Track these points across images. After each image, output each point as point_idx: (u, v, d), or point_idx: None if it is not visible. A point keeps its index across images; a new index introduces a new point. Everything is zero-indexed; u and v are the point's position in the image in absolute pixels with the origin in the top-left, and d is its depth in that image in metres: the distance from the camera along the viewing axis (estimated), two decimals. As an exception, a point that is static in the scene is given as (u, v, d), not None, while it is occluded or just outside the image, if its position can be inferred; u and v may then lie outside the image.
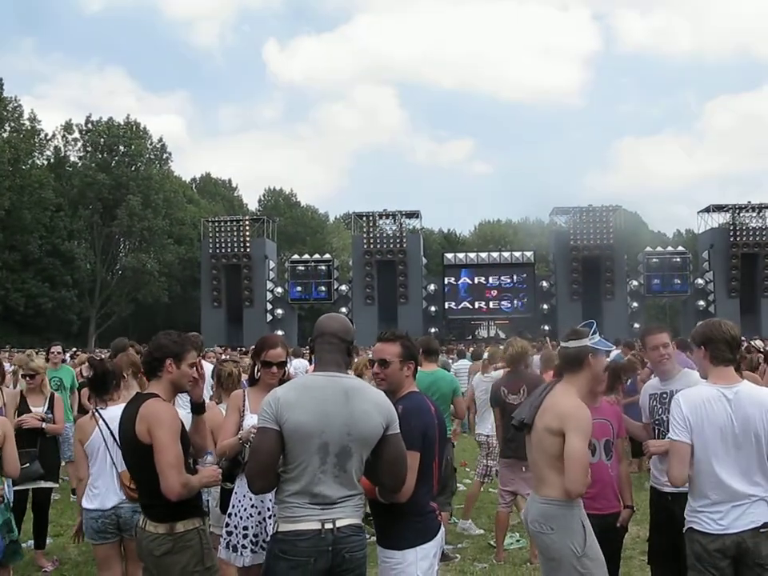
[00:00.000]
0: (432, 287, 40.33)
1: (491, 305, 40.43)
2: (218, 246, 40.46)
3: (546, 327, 37.70)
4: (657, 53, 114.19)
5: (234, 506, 4.51)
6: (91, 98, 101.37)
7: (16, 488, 6.66)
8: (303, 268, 41.20)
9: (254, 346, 4.84)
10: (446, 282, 40.49)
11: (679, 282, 39.65)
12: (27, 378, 7.15)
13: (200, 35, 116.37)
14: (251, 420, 4.32)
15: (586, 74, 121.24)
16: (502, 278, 40.48)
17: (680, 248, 42.92)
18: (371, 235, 40.07)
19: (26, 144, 48.69)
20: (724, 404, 3.68)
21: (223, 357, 14.75)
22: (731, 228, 39.14)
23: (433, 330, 37.74)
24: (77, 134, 54.51)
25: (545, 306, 39.57)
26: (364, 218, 41.13)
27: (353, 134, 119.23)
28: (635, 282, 39.76)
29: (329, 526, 3.18)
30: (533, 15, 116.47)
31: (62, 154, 54.94)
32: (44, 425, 6.83)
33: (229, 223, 41.52)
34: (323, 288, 40.74)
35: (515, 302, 40.33)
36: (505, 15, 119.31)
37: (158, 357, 3.80)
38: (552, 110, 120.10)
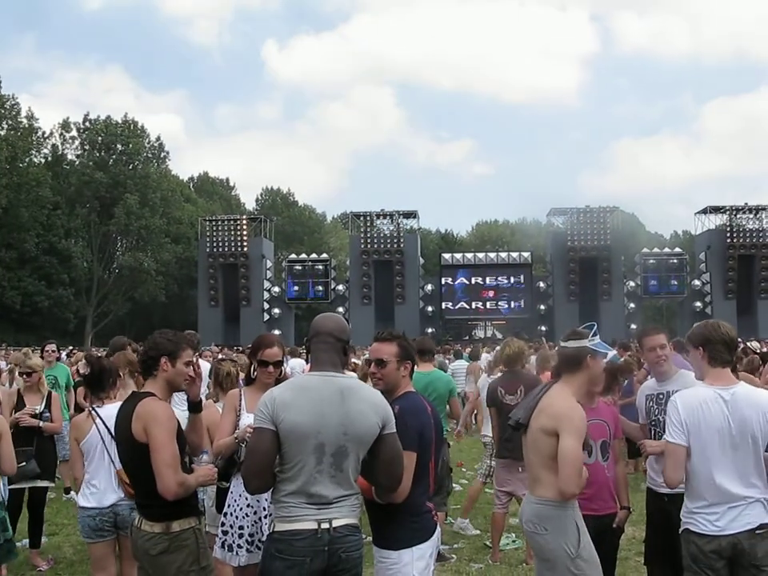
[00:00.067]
0: (429, 287, 40.34)
1: (488, 305, 40.45)
2: (215, 245, 40.45)
3: (543, 328, 37.74)
4: (655, 54, 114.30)
5: (229, 506, 4.50)
6: (89, 97, 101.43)
7: (12, 486, 6.66)
8: (300, 267, 41.19)
9: (250, 345, 4.83)
10: (443, 282, 40.49)
11: (676, 283, 39.71)
12: (24, 376, 7.14)
13: (199, 34, 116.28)
14: (247, 419, 4.31)
15: (584, 75, 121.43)
16: (499, 278, 40.50)
17: (677, 249, 42.98)
18: (368, 235, 40.08)
19: (23, 142, 48.56)
20: (721, 405, 3.68)
21: (220, 356, 14.75)
22: (728, 229, 39.20)
23: (430, 330, 37.79)
24: (74, 132, 54.48)
25: (542, 307, 39.60)
26: (361, 218, 41.15)
27: (351, 134, 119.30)
28: (632, 283, 39.82)
29: (325, 525, 3.17)
30: (531, 16, 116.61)
31: (60, 152, 54.88)
32: (41, 423, 6.82)
33: (226, 222, 41.52)
34: (320, 288, 40.74)
35: (512, 302, 40.33)
36: (504, 16, 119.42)
37: (153, 355, 3.80)
38: (550, 111, 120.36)
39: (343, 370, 3.46)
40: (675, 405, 3.79)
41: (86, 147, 54.12)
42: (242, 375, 5.70)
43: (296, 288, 40.78)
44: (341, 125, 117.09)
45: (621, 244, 40.48)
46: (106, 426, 4.86)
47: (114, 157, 53.62)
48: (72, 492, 9.01)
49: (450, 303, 40.39)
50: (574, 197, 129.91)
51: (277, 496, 3.25)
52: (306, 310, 47.52)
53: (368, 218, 40.68)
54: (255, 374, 4.61)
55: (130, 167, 53.67)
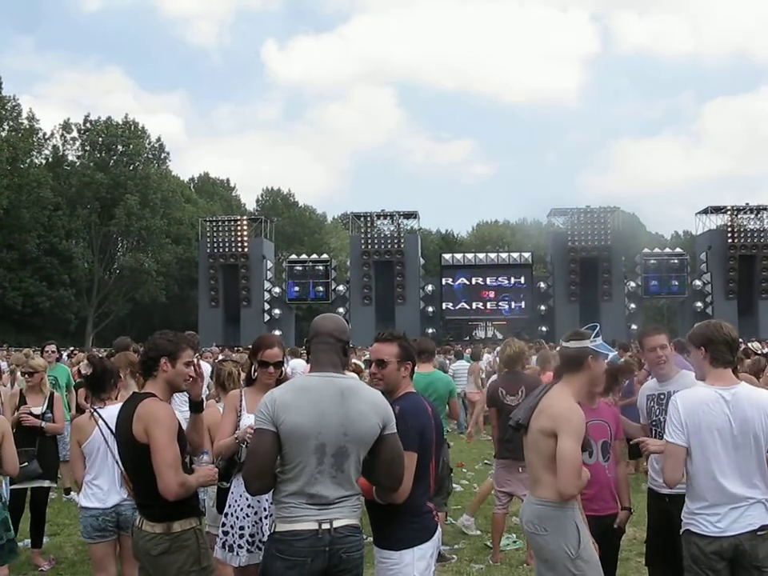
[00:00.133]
0: (429, 288, 40.33)
1: (489, 306, 40.43)
2: (215, 245, 40.46)
3: (544, 328, 37.77)
4: (655, 54, 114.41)
5: (230, 506, 4.50)
6: (89, 98, 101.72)
7: (13, 487, 6.67)
8: (301, 268, 41.17)
9: (250, 346, 4.83)
10: (443, 282, 40.48)
11: (677, 283, 39.67)
12: (27, 376, 7.16)
13: (198, 34, 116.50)
14: (248, 420, 4.31)
15: (585, 75, 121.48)
16: (500, 278, 40.48)
17: (678, 249, 42.97)
18: (369, 235, 40.09)
19: (24, 143, 48.60)
20: (722, 405, 3.68)
21: (220, 356, 14.75)
22: (729, 230, 39.17)
23: (430, 330, 37.80)
24: (75, 133, 54.53)
25: (542, 307, 39.57)
26: (362, 219, 41.15)
27: (351, 135, 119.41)
28: (633, 284, 39.81)
29: (326, 526, 3.18)
30: (532, 16, 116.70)
31: (60, 153, 54.91)
32: (43, 423, 6.83)
33: (226, 223, 41.52)
34: (321, 288, 40.72)
35: (513, 303, 40.31)
36: (504, 16, 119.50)
37: (153, 356, 3.80)
38: (550, 111, 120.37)
39: (343, 371, 3.47)
40: (675, 405, 3.79)
41: (87, 148, 54.19)
42: (243, 375, 5.70)
43: (296, 288, 40.76)
44: (341, 125, 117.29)
45: (621, 244, 40.44)
46: (109, 427, 4.86)
47: (114, 158, 53.69)
48: (72, 492, 9.02)
49: (451, 304, 40.37)
50: (574, 197, 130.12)
51: (278, 496, 3.26)
52: (307, 311, 47.56)
53: (368, 219, 40.69)
54: (256, 374, 4.62)
55: (131, 168, 53.71)
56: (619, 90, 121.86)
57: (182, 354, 3.82)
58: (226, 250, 40.33)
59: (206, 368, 9.17)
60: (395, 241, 39.72)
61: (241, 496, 4.43)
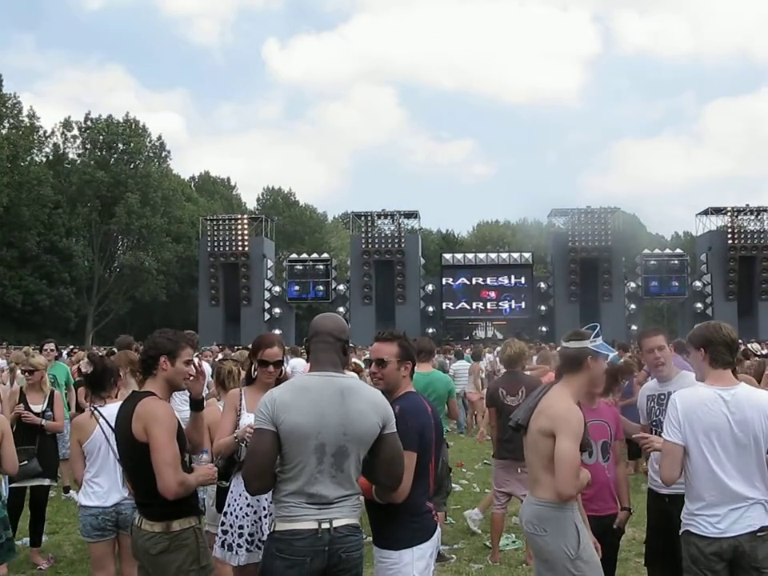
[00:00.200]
0: (430, 287, 40.35)
1: (489, 306, 40.46)
2: (216, 244, 40.47)
3: (544, 329, 37.81)
4: (656, 54, 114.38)
5: (229, 505, 4.50)
6: (90, 96, 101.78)
7: (13, 485, 6.67)
8: (301, 267, 41.18)
9: (250, 345, 4.83)
10: (443, 282, 40.50)
11: (677, 284, 39.70)
12: (27, 374, 7.16)
13: (200, 33, 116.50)
14: (247, 419, 4.31)
15: (585, 76, 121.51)
16: (500, 278, 40.50)
17: (678, 250, 43.04)
18: (369, 235, 40.11)
19: (24, 141, 48.61)
20: (721, 406, 3.67)
21: (220, 356, 14.76)
22: (729, 231, 39.19)
23: (430, 330, 37.82)
24: (76, 131, 54.49)
25: (542, 308, 39.59)
26: (362, 218, 41.17)
27: (352, 134, 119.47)
28: (633, 284, 39.84)
29: (325, 525, 3.18)
30: (533, 16, 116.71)
31: (61, 151, 54.88)
32: (43, 422, 6.83)
33: (227, 222, 41.54)
34: (321, 287, 40.74)
35: (513, 303, 40.34)
36: (505, 16, 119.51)
37: (152, 355, 3.80)
38: (551, 111, 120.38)
39: (343, 370, 3.47)
40: (674, 404, 3.79)
41: (88, 146, 54.16)
42: (243, 374, 5.70)
43: (297, 288, 40.77)
44: (342, 124, 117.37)
45: (622, 245, 40.47)
46: (110, 425, 4.85)
47: (115, 156, 53.67)
48: (71, 491, 9.02)
49: (451, 303, 40.39)
50: (575, 197, 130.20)
51: (278, 496, 3.26)
52: (307, 310, 47.58)
53: (369, 218, 40.71)
54: (256, 373, 4.62)
55: (131, 166, 53.70)
56: (620, 90, 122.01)
57: (182, 352, 3.82)
58: (227, 248, 40.34)
59: (206, 367, 9.17)
60: (396, 240, 39.72)
61: (240, 495, 4.43)
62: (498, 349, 17.29)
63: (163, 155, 58.31)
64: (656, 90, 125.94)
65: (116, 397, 5.23)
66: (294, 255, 44.09)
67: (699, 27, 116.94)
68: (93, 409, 5.14)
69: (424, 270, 42.56)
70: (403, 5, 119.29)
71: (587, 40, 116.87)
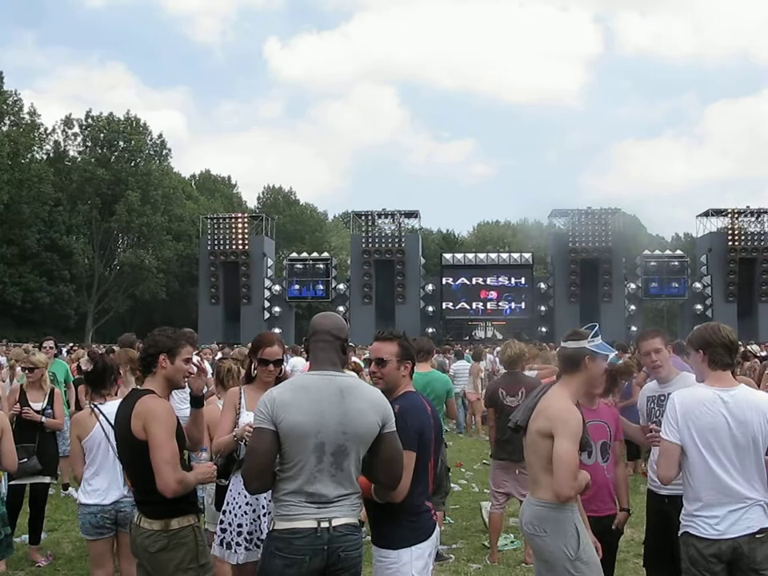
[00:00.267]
0: (430, 287, 40.37)
1: (489, 306, 40.47)
2: (216, 243, 40.49)
3: (544, 329, 37.83)
4: (657, 56, 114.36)
5: (228, 503, 4.50)
6: (91, 93, 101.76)
7: (12, 482, 6.67)
8: (301, 266, 41.21)
9: (250, 344, 4.83)
10: (443, 282, 40.50)
11: (677, 285, 39.75)
12: (27, 372, 7.16)
13: (201, 31, 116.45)
14: (247, 417, 4.32)
15: (587, 76, 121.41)
16: (500, 279, 40.51)
17: (678, 251, 43.10)
18: (370, 234, 40.14)
19: (25, 138, 48.63)
20: (720, 406, 3.67)
21: (219, 354, 14.77)
22: (729, 232, 39.24)
23: (430, 330, 37.83)
24: (76, 129, 54.57)
25: (542, 308, 39.61)
26: (363, 217, 41.21)
27: (353, 133, 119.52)
28: (633, 285, 39.86)
29: (325, 524, 3.17)
30: (534, 16, 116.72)
31: (62, 149, 54.93)
32: (43, 419, 6.83)
33: (227, 220, 41.57)
34: (321, 286, 40.79)
35: (513, 303, 40.35)
36: (506, 16, 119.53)
37: (152, 353, 3.80)
38: (552, 112, 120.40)
39: (343, 369, 3.47)
40: (673, 403, 3.79)
41: (88, 144, 54.20)
42: (242, 372, 5.71)
43: (297, 287, 40.81)
44: (342, 124, 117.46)
45: (622, 246, 40.52)
46: (110, 423, 4.85)
47: (115, 154, 53.69)
48: (71, 488, 9.02)
49: (451, 303, 40.41)
50: (575, 198, 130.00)
51: (277, 495, 3.26)
52: (307, 309, 47.60)
53: (369, 218, 40.74)
54: (255, 372, 4.62)
55: (132, 164, 53.72)
56: (621, 90, 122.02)
57: (181, 350, 3.82)
58: (227, 247, 40.36)
59: (206, 366, 9.17)
60: (396, 240, 39.75)
61: (239, 493, 4.43)
62: (498, 349, 17.29)
63: (164, 153, 58.39)
64: (657, 90, 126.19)
65: (116, 395, 5.23)
66: (294, 254, 44.15)
67: (701, 28, 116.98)
68: (93, 406, 5.15)
69: (424, 269, 42.58)
70: (404, 4, 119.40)
71: (588, 40, 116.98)
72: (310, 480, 3.18)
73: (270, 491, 3.32)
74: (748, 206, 40.17)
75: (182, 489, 3.58)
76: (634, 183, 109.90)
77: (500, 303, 40.41)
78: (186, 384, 3.97)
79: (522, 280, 40.50)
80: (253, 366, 4.64)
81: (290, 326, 41.12)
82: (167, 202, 54.42)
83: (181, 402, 7.10)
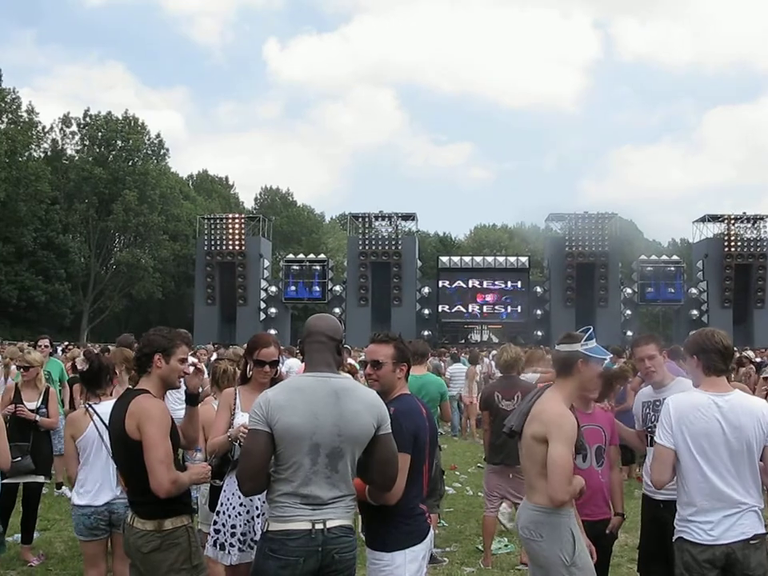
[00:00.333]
0: (426, 290, 40.37)
1: (485, 309, 40.48)
2: (213, 243, 40.47)
3: (539, 333, 37.83)
4: (656, 62, 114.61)
5: (222, 504, 4.50)
6: (90, 92, 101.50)
7: (5, 481, 6.64)
8: (298, 267, 41.21)
9: (246, 345, 4.83)
10: (440, 285, 40.51)
11: (673, 290, 39.80)
12: (22, 370, 7.14)
13: (201, 32, 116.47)
14: (242, 418, 4.32)
15: (586, 82, 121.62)
16: (497, 282, 40.53)
17: (674, 257, 43.08)
18: (367, 236, 40.16)
19: (23, 136, 48.50)
20: (714, 411, 3.67)
21: (215, 355, 14.74)
22: (726, 238, 39.32)
23: (426, 332, 37.82)
24: (74, 128, 54.48)
25: (538, 312, 39.63)
26: (360, 219, 41.21)
27: (351, 135, 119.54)
28: (629, 290, 39.89)
29: (319, 526, 3.17)
30: (533, 21, 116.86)
31: (59, 147, 54.81)
32: (37, 418, 6.81)
33: (224, 221, 41.54)
34: (317, 288, 40.78)
35: (509, 306, 40.37)
36: (506, 21, 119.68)
37: (147, 352, 3.80)
38: (551, 117, 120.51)
39: (338, 370, 3.46)
40: (667, 408, 3.79)
41: (86, 143, 54.13)
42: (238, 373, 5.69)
43: (293, 288, 40.80)
44: (341, 125, 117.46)
45: (618, 250, 40.60)
46: (104, 423, 4.84)
47: (113, 153, 53.64)
48: (64, 488, 9.00)
49: (447, 306, 40.40)
50: (572, 202, 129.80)
51: (272, 496, 3.25)
52: (303, 311, 47.57)
53: (366, 220, 40.75)
54: (251, 373, 4.61)
55: (130, 164, 53.65)
56: (619, 96, 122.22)
57: (177, 350, 3.82)
58: (224, 247, 40.34)
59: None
60: (393, 242, 39.76)
61: (233, 494, 4.43)
62: (494, 353, 17.26)
63: (162, 153, 58.29)
64: (655, 97, 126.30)
65: (110, 394, 5.21)
66: (290, 255, 44.16)
67: (699, 35, 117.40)
68: (87, 406, 5.13)
69: (420, 272, 42.64)
70: (404, 7, 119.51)
71: (587, 46, 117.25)
72: (304, 482, 3.17)
73: (265, 492, 3.32)
74: (744, 213, 40.29)
75: (175, 489, 3.57)
76: (632, 188, 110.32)
77: (496, 307, 40.45)
78: (182, 384, 3.96)
79: (519, 284, 40.53)
80: (248, 367, 4.64)
81: (286, 327, 41.09)
82: (164, 201, 54.35)
83: (175, 403, 7.08)
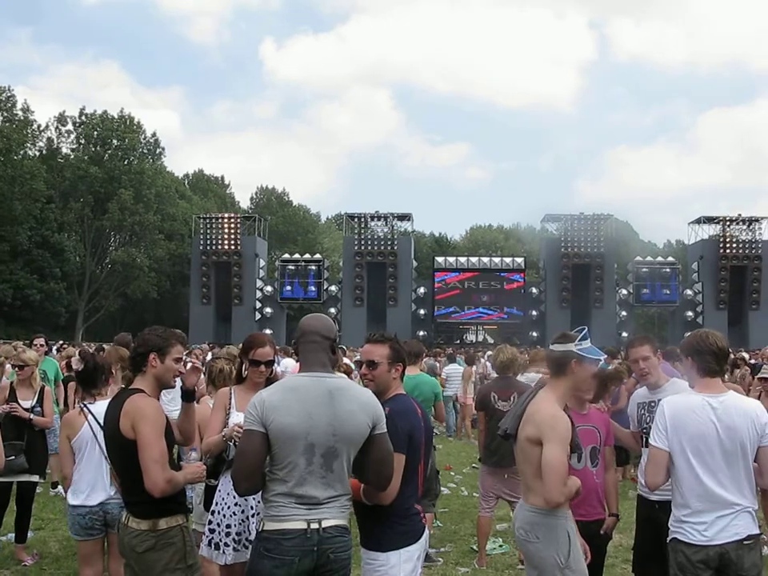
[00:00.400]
0: (421, 290, 40.38)
1: (480, 309, 40.51)
2: (208, 242, 40.44)
3: (535, 333, 37.88)
4: (651, 63, 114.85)
5: (217, 504, 4.49)
6: (85, 91, 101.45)
7: (-1, 480, 6.63)
8: (293, 267, 41.20)
9: (241, 344, 4.82)
10: (435, 285, 40.52)
11: (668, 292, 39.87)
12: (17, 369, 7.13)
13: (197, 31, 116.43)
14: (237, 418, 4.32)
15: (581, 82, 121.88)
16: (492, 283, 40.56)
17: (670, 258, 43.20)
18: (362, 236, 40.17)
19: (18, 134, 48.41)
20: (708, 412, 3.68)
21: (210, 354, 14.74)
22: (721, 240, 39.42)
23: (421, 333, 37.84)
24: (70, 126, 54.39)
25: (533, 313, 39.67)
26: (356, 219, 41.20)
27: (347, 135, 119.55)
28: (624, 291, 39.96)
29: (314, 526, 3.17)
30: (529, 22, 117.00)
31: (55, 146, 54.70)
32: (32, 416, 6.80)
33: (220, 220, 41.51)
34: (313, 288, 40.77)
35: (504, 307, 40.40)
36: (502, 21, 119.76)
37: (141, 352, 3.79)
38: (546, 117, 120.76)
39: (333, 370, 3.46)
40: (662, 409, 3.80)
41: (82, 141, 54.03)
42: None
43: (289, 288, 40.80)
44: (337, 125, 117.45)
45: (614, 252, 40.66)
46: (99, 423, 4.83)
47: (109, 152, 53.58)
48: (59, 487, 8.97)
49: (442, 306, 40.41)
50: (568, 203, 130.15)
51: (267, 495, 3.25)
52: (298, 310, 47.51)
53: (362, 220, 40.76)
54: (246, 372, 4.61)
55: (125, 163, 53.58)
56: (614, 97, 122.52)
57: (172, 349, 3.81)
58: (219, 247, 40.32)
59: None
60: (388, 242, 39.79)
61: (228, 494, 4.42)
62: (489, 353, 17.26)
63: (157, 152, 58.28)
64: (650, 97, 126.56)
65: (106, 394, 5.20)
66: (286, 255, 44.12)
67: (694, 36, 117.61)
68: (82, 406, 5.12)
69: (416, 272, 42.61)
70: (400, 8, 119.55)
71: (583, 46, 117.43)
72: (300, 482, 3.17)
73: (260, 492, 3.32)
74: (740, 214, 40.41)
75: (170, 488, 3.56)
76: (627, 189, 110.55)
77: (492, 307, 40.46)
78: (175, 383, 3.96)
79: (514, 284, 40.55)
80: (244, 367, 4.64)
81: (281, 327, 41.07)
82: (160, 201, 54.29)
83: (169, 403, 7.08)
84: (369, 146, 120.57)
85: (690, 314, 39.03)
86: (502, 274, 40.72)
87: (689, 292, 39.78)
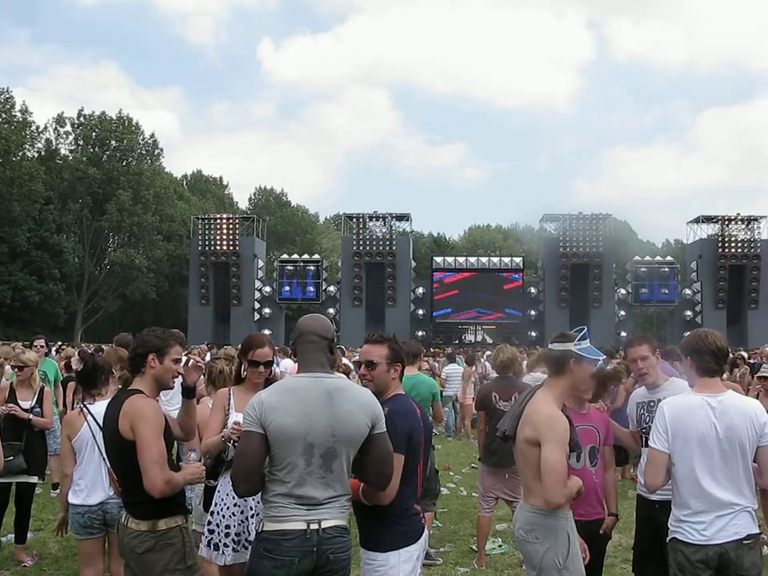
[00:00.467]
0: (420, 290, 40.37)
1: (479, 310, 40.50)
2: (207, 243, 40.44)
3: (533, 333, 37.87)
4: (650, 62, 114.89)
5: (216, 504, 4.49)
6: (84, 92, 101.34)
7: (-2, 480, 6.63)
8: (292, 268, 41.17)
9: (240, 345, 4.83)
10: (434, 285, 40.52)
11: (667, 291, 39.87)
12: (17, 370, 7.13)
13: (195, 32, 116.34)
14: (236, 418, 4.31)
15: (579, 82, 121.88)
16: (491, 283, 40.53)
17: (668, 258, 43.19)
18: (361, 237, 40.17)
19: (16, 136, 48.37)
20: (707, 412, 3.68)
21: (208, 355, 14.73)
22: (720, 239, 39.43)
23: (420, 333, 37.83)
24: (68, 127, 54.35)
25: (532, 312, 39.67)
26: (354, 220, 41.21)
27: (345, 135, 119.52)
28: (623, 291, 39.98)
29: (314, 526, 3.17)
30: (528, 22, 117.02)
31: (53, 147, 54.65)
32: (31, 416, 6.80)
33: (218, 221, 41.49)
34: (311, 288, 40.75)
35: (503, 307, 40.40)
36: (500, 21, 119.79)
37: (140, 352, 3.79)
38: (545, 117, 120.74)
39: (332, 370, 3.46)
40: (662, 411, 3.80)
41: (80, 142, 53.99)
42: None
43: (287, 288, 40.76)
44: (335, 126, 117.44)
45: (613, 251, 40.67)
46: (98, 423, 4.83)
47: (107, 153, 53.52)
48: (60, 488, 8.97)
49: (441, 307, 40.40)
50: (566, 203, 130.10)
51: (266, 496, 3.25)
52: (297, 311, 47.50)
53: (361, 220, 40.76)
54: (245, 373, 4.61)
55: (124, 163, 53.53)
56: (613, 97, 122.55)
57: (170, 350, 3.81)
58: (218, 248, 40.32)
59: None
60: (387, 243, 39.78)
61: (227, 495, 4.42)
62: (488, 353, 17.26)
63: (156, 153, 58.21)
64: (649, 97, 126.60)
65: (105, 394, 5.21)
66: (284, 255, 44.10)
67: (693, 36, 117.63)
68: (81, 406, 5.13)
69: (414, 272, 42.60)
70: (398, 8, 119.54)
71: (582, 46, 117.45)
72: (299, 482, 3.17)
73: (259, 493, 3.32)
74: (738, 214, 40.42)
75: (169, 489, 3.57)
76: (626, 189, 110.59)
77: (490, 307, 40.45)
78: (174, 384, 3.97)
79: (513, 284, 40.54)
80: (242, 368, 4.64)
81: (280, 327, 41.04)
82: (158, 201, 54.25)
83: (168, 403, 7.08)
84: (367, 146, 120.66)
85: (688, 313, 39.04)
86: (501, 274, 40.70)
87: (687, 291, 39.79)
